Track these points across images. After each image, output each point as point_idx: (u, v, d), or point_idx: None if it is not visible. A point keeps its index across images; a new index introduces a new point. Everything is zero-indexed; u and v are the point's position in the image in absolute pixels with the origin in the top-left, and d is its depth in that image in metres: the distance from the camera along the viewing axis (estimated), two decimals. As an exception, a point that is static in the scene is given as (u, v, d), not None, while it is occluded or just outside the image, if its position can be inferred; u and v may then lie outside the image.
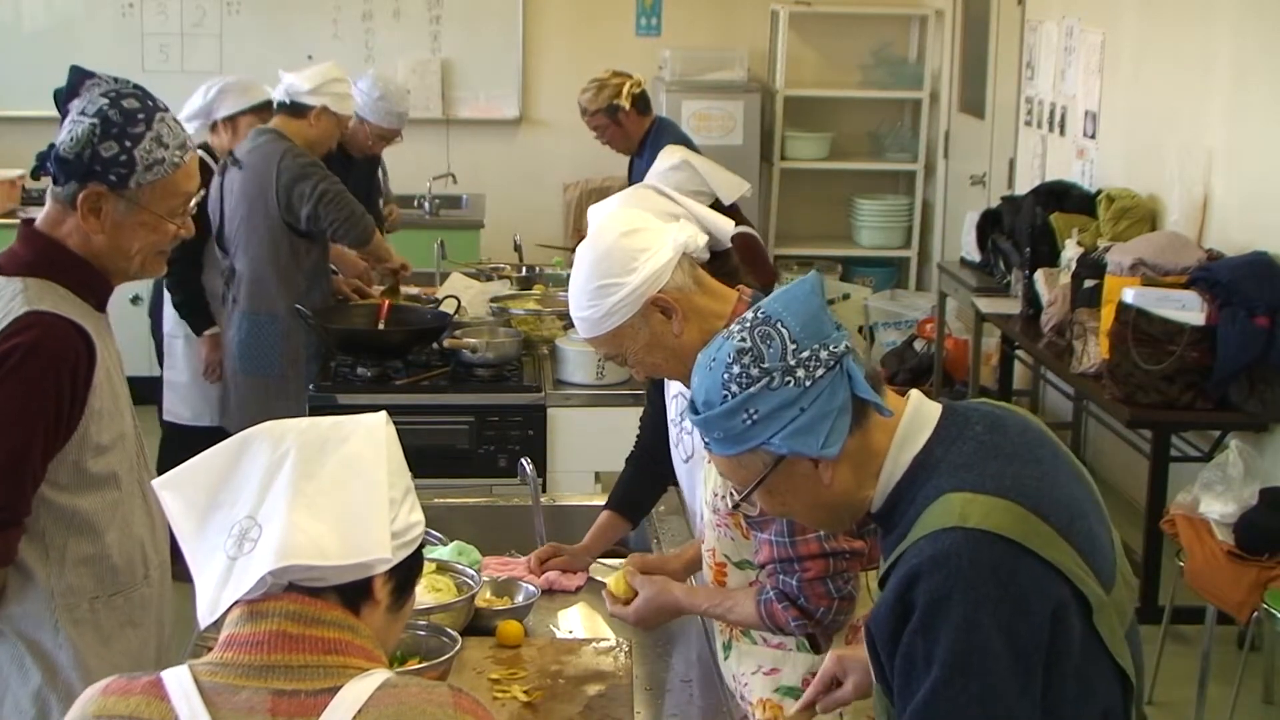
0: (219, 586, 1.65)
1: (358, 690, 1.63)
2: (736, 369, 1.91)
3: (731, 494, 2.10)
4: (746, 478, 1.98)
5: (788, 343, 1.91)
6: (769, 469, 1.94)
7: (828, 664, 2.35)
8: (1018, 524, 1.85)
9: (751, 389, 1.90)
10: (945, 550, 1.83)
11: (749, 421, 1.90)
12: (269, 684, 1.63)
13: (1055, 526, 1.87)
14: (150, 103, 2.53)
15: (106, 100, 2.49)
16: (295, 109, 5.09)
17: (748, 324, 1.95)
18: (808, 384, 1.89)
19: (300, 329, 5.06)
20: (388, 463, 1.72)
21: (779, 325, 1.92)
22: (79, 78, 2.55)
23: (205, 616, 1.67)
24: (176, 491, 1.71)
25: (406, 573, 1.75)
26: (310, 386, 4.82)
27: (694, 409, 1.98)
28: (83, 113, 2.50)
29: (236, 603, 1.66)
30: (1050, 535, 1.86)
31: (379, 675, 1.65)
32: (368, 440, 1.72)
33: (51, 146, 2.52)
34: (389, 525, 1.69)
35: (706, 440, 1.98)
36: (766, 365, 1.90)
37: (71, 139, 2.48)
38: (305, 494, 1.66)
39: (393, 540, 1.69)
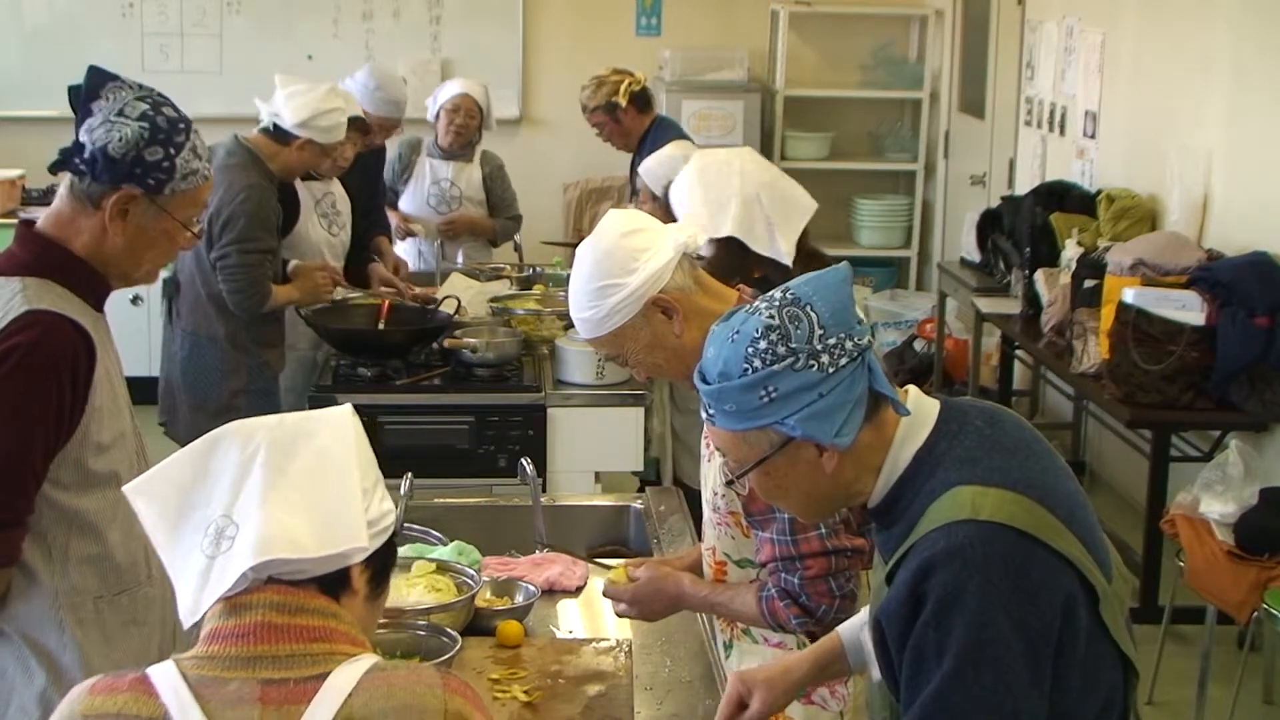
0: (199, 586, 1.67)
1: (347, 675, 1.65)
2: (763, 344, 1.89)
3: (725, 471, 2.07)
4: (747, 456, 1.96)
5: (815, 327, 1.89)
6: (774, 450, 1.93)
7: (732, 685, 2.31)
8: (1028, 516, 1.86)
9: (774, 366, 1.88)
10: (959, 543, 1.83)
11: (766, 399, 1.89)
12: (257, 674, 1.64)
13: (1061, 518, 1.89)
14: (183, 114, 2.57)
15: (148, 106, 2.51)
16: (279, 133, 4.76)
17: (776, 302, 1.92)
18: (831, 370, 1.88)
19: (243, 359, 4.79)
20: (357, 454, 1.74)
21: (808, 308, 1.91)
22: (100, 79, 2.54)
23: (187, 618, 1.68)
24: (148, 497, 1.72)
25: (382, 561, 1.77)
26: (311, 386, 4.82)
27: (704, 379, 1.95)
28: (121, 114, 2.49)
29: (217, 599, 1.67)
30: (1058, 526, 1.88)
31: (367, 660, 1.67)
32: (336, 433, 1.74)
33: (78, 143, 2.51)
34: (363, 515, 1.71)
35: (712, 411, 1.95)
36: (793, 345, 1.88)
37: (121, 140, 2.48)
38: (279, 489, 1.68)
39: (368, 529, 1.71)
